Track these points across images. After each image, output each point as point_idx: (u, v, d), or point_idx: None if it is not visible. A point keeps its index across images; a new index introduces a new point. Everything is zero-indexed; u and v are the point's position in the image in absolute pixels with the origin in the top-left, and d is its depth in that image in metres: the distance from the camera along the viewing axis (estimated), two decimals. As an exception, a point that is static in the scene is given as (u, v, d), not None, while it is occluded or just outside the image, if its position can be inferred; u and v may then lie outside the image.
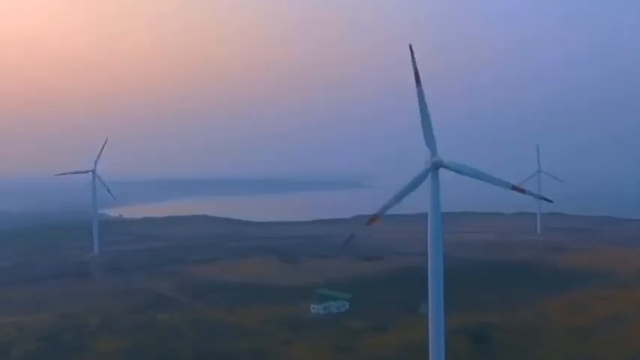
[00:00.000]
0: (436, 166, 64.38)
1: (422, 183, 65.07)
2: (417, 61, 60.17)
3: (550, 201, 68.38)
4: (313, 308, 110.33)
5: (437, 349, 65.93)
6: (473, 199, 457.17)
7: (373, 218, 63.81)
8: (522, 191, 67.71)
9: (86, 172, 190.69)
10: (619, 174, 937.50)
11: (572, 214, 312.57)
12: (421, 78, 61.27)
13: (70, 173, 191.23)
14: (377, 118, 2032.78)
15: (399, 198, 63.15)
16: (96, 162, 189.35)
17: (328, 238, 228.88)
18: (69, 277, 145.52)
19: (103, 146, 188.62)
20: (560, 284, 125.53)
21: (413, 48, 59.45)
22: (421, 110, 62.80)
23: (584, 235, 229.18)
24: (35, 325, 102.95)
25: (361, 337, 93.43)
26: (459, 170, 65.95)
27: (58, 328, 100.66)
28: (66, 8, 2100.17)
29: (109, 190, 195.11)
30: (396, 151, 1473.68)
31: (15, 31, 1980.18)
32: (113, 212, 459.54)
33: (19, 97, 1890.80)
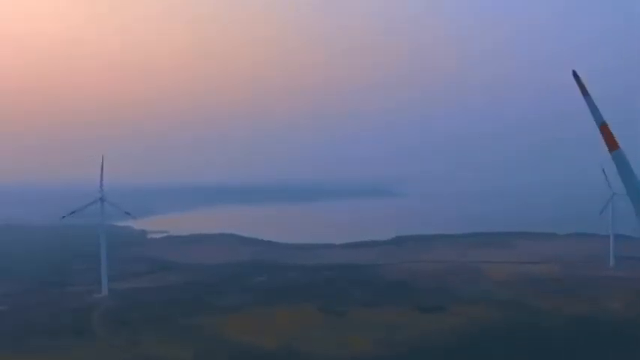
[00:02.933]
0: None
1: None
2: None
3: None
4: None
5: None
6: (520, 216, 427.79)
7: None
8: None
9: (94, 202, 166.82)
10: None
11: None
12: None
13: (78, 211, 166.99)
14: (403, 117, 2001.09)
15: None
16: (101, 187, 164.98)
17: (369, 271, 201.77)
18: (63, 334, 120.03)
19: (102, 166, 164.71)
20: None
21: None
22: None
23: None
24: None
25: None
26: None
27: None
28: (97, 13, 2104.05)
29: (127, 213, 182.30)
30: (428, 153, 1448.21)
31: (50, 35, 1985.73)
32: (137, 225, 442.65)
33: (46, 98, 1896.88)
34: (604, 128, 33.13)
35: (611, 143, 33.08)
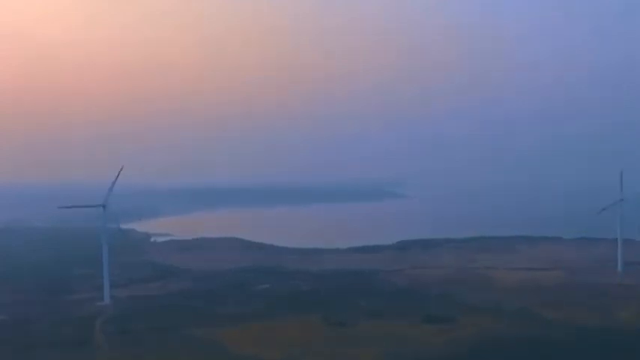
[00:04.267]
0: None
1: None
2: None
3: None
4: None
5: None
6: (524, 218, 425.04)
7: None
8: None
9: (95, 206, 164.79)
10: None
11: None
12: None
13: (78, 207, 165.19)
14: (403, 117, 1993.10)
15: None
16: (108, 194, 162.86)
17: (374, 277, 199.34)
18: (65, 345, 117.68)
19: (118, 176, 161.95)
20: None
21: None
22: None
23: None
24: None
25: None
26: None
27: None
28: (99, 15, 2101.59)
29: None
30: (429, 153, 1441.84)
31: (49, 38, 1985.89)
32: (140, 227, 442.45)
33: (48, 102, 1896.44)
34: None
35: None
